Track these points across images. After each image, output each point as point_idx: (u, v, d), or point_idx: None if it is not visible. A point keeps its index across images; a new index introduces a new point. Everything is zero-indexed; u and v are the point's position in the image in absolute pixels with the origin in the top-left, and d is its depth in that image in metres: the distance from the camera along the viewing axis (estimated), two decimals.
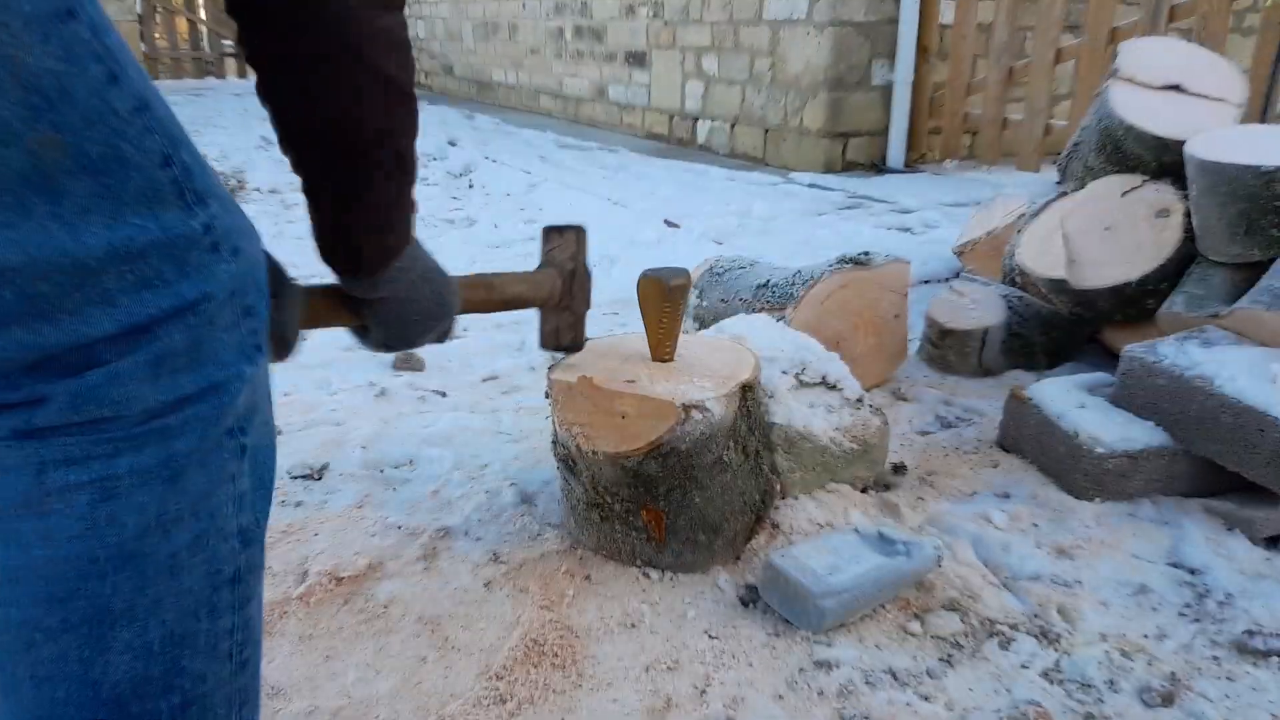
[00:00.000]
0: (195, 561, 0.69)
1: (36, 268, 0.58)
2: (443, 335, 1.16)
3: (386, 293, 1.01)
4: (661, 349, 1.45)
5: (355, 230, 0.92)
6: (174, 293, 0.63)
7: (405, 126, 0.88)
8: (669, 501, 1.39)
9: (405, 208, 0.95)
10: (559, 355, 1.42)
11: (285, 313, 0.95)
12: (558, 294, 1.32)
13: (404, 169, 0.90)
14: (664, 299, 1.41)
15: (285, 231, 3.90)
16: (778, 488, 1.54)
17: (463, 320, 3.07)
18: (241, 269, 0.68)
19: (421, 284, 1.04)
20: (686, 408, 1.31)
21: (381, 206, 0.91)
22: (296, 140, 0.87)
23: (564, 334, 1.35)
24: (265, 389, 0.77)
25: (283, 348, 0.98)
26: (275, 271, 0.93)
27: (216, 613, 0.72)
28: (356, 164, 0.86)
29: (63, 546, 0.63)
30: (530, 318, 2.88)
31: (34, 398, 0.61)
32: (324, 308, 1.04)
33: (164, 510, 0.66)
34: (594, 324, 2.68)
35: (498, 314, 2.76)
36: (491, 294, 1.26)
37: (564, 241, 1.34)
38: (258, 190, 4.78)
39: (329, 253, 0.95)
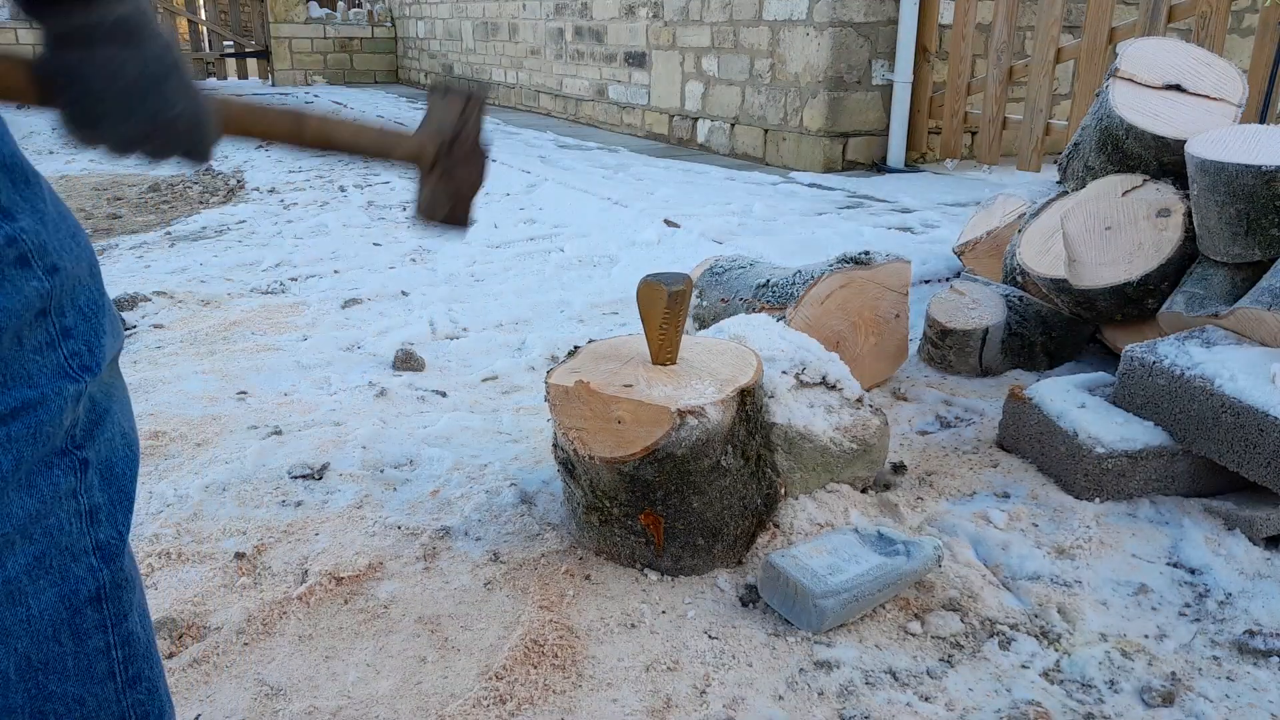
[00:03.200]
0: (41, 585, 0.66)
1: None
2: (190, 140, 0.84)
3: (105, 31, 0.74)
4: (663, 353, 1.45)
5: None
6: None
7: None
8: (667, 506, 1.39)
9: None
10: (437, 227, 1.21)
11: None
12: (429, 156, 1.14)
13: None
14: (664, 305, 1.41)
15: (285, 231, 3.90)
16: (782, 491, 1.54)
17: (462, 320, 3.07)
18: (58, 287, 0.64)
19: (150, 58, 0.78)
20: (682, 413, 1.31)
21: None
22: None
23: (439, 206, 1.17)
24: (114, 399, 0.72)
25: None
26: None
27: (82, 634, 0.69)
28: None
29: None
30: (529, 317, 2.85)
31: None
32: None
33: None
34: (594, 324, 2.70)
35: (497, 314, 2.78)
36: (300, 127, 1.02)
37: (448, 105, 1.16)
38: (257, 190, 4.78)
39: None
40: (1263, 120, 3.76)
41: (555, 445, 1.47)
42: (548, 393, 1.42)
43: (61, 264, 0.65)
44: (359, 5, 12.36)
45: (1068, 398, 1.76)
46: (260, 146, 5.40)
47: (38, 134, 6.36)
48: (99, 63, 0.74)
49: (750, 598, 1.38)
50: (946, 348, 2.26)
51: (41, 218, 0.63)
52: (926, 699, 1.19)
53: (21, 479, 0.64)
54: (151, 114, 0.78)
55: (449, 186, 1.18)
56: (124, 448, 0.73)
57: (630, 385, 1.38)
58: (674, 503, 1.38)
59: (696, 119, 6.25)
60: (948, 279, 2.90)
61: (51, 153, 5.90)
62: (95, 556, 0.70)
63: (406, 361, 2.35)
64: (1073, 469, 1.66)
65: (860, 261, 2.06)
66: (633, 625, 1.32)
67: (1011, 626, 1.33)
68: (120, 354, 0.74)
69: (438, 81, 1.14)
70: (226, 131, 0.96)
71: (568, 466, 1.47)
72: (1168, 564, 1.48)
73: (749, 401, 1.41)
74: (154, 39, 0.78)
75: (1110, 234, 2.18)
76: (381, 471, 1.79)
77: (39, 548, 0.66)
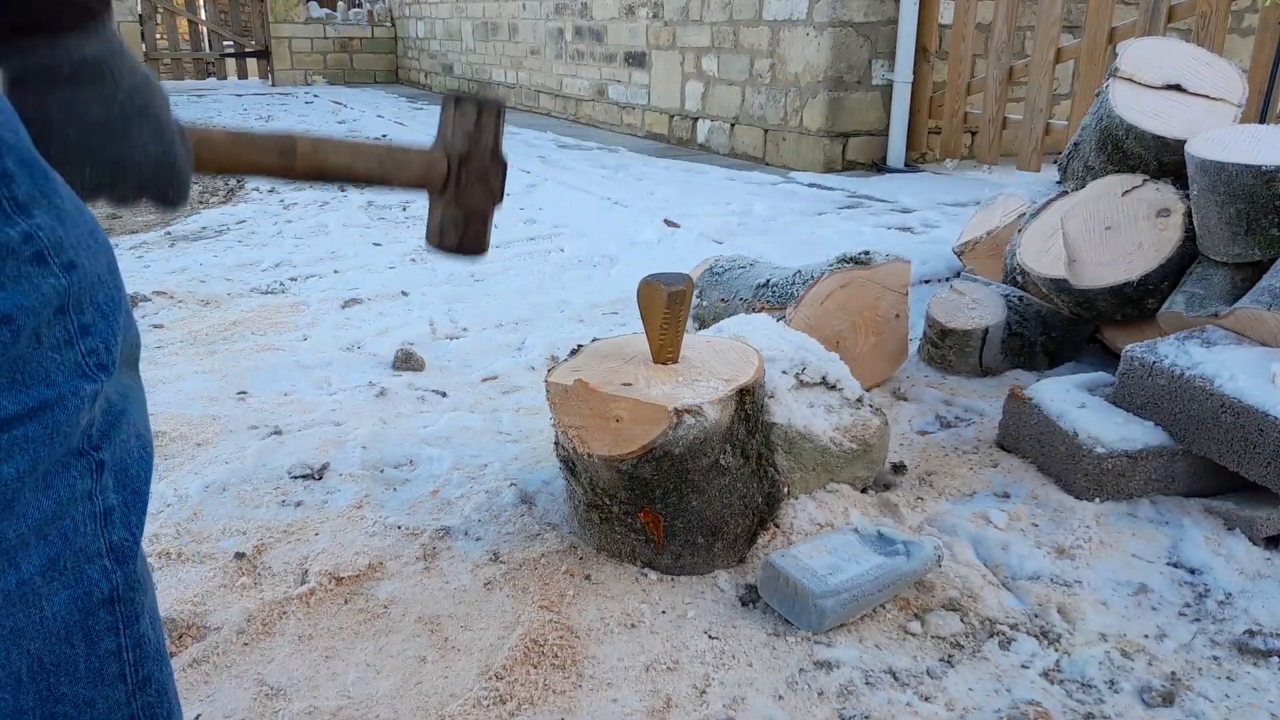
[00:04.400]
0: (54, 586, 0.66)
1: None
2: (162, 182, 0.82)
3: (72, 73, 0.75)
4: (663, 353, 1.45)
5: None
6: None
7: None
8: (666, 505, 1.39)
9: None
10: (449, 255, 1.14)
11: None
12: (439, 179, 1.07)
13: None
14: (664, 305, 1.41)
15: (285, 231, 3.90)
16: (784, 491, 1.54)
17: (462, 320, 3.07)
18: (76, 284, 0.64)
19: (129, 85, 0.77)
20: (679, 412, 1.31)
21: None
22: None
23: (449, 233, 1.10)
24: (130, 399, 0.72)
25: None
26: None
27: (95, 636, 0.69)
28: None
29: None
30: (529, 317, 2.85)
31: None
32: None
33: (2, 537, 0.62)
34: (594, 324, 2.70)
35: (497, 314, 2.78)
36: (288, 161, 0.95)
37: (461, 116, 1.07)
38: (257, 190, 4.78)
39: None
40: (1263, 120, 3.76)
41: (556, 444, 1.48)
42: (547, 391, 1.42)
43: (79, 261, 0.64)
44: (359, 5, 12.36)
45: (1068, 398, 1.76)
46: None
47: None
48: (59, 105, 0.74)
49: (750, 597, 1.38)
50: (946, 348, 2.26)
51: (59, 214, 0.63)
52: (926, 699, 1.19)
53: (38, 480, 0.64)
54: (113, 159, 0.78)
55: (461, 209, 1.10)
56: (139, 449, 0.73)
57: (630, 384, 1.38)
58: (673, 501, 1.38)
59: (696, 119, 6.25)
60: (948, 279, 2.90)
61: None
62: (109, 558, 0.69)
63: (406, 361, 2.35)
64: (1073, 469, 1.66)
65: (860, 261, 2.06)
66: (633, 625, 1.32)
67: (1011, 626, 1.33)
68: (139, 353, 0.74)
69: (450, 91, 1.11)
70: (207, 169, 0.91)
71: (568, 465, 1.47)
72: (1168, 564, 1.48)
73: (748, 400, 1.41)
74: (125, 78, 0.77)
75: (1110, 234, 2.18)
76: (381, 471, 1.79)
77: (54, 549, 0.66)
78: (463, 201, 1.09)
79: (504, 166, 1.11)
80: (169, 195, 0.82)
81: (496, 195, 1.11)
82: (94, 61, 0.74)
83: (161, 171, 0.81)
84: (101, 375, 0.67)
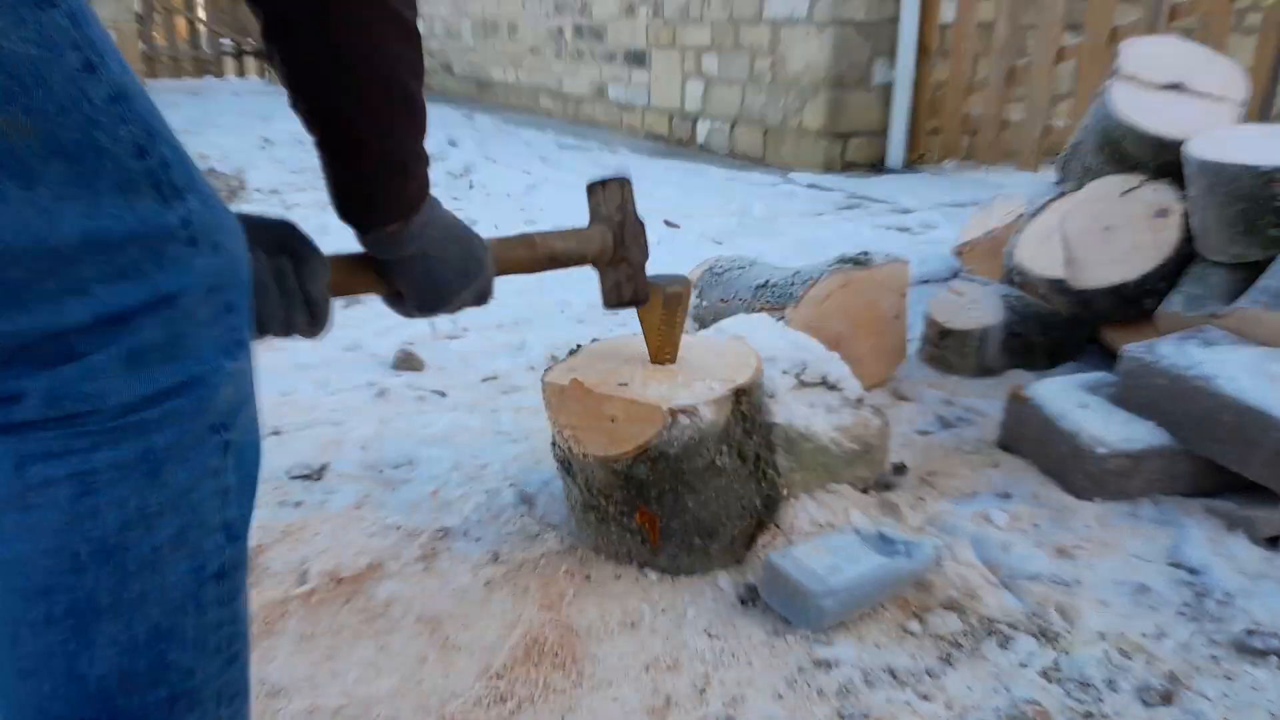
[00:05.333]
0: (179, 556, 0.69)
1: (10, 253, 0.58)
2: (480, 296, 1.14)
3: (413, 250, 1.01)
4: (661, 354, 1.45)
5: (372, 177, 0.92)
6: (150, 285, 0.63)
7: (414, 65, 0.89)
8: (662, 505, 1.39)
9: (420, 154, 0.95)
10: (623, 309, 1.39)
11: (314, 282, 0.95)
12: (610, 249, 1.30)
13: (414, 110, 0.91)
14: (662, 306, 1.41)
15: None
16: (784, 492, 1.54)
17: (462, 320, 3.07)
18: (222, 264, 0.68)
19: (448, 241, 1.05)
20: (673, 412, 1.31)
21: (396, 149, 0.92)
22: (307, 85, 0.88)
23: (624, 288, 1.32)
24: (251, 385, 0.76)
25: (317, 318, 0.97)
26: (302, 241, 0.94)
27: (203, 607, 0.72)
28: (368, 104, 0.87)
29: (44, 540, 0.64)
30: (529, 317, 2.86)
31: (10, 394, 0.62)
32: (352, 274, 1.03)
33: (145, 504, 0.66)
34: (594, 324, 2.70)
35: (497, 314, 2.78)
36: (535, 251, 1.23)
37: (608, 194, 1.31)
38: (258, 190, 4.78)
39: (347, 206, 0.96)
40: (1263, 120, 3.76)
41: (553, 443, 1.48)
42: (544, 391, 1.42)
43: (223, 241, 0.68)
44: None
45: (1069, 398, 1.76)
46: (261, 145, 5.36)
47: None
48: (418, 271, 1.05)
49: (750, 597, 1.38)
50: (946, 348, 2.26)
51: (204, 198, 0.67)
52: (926, 698, 1.19)
53: (181, 452, 0.67)
54: (454, 295, 1.10)
55: (628, 269, 1.31)
56: (255, 433, 0.76)
57: (625, 384, 1.38)
58: (669, 502, 1.38)
59: (696, 119, 6.25)
60: (947, 279, 2.90)
61: None
62: (223, 534, 0.73)
63: (406, 361, 2.35)
64: (1074, 469, 1.66)
65: (859, 262, 2.06)
66: (633, 624, 1.32)
67: (1011, 626, 1.33)
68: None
69: (591, 180, 1.35)
70: (504, 272, 1.20)
71: (565, 464, 1.47)
72: (1168, 564, 1.48)
73: (745, 401, 1.41)
74: (458, 240, 1.08)
75: (1109, 234, 2.18)
76: (381, 471, 1.79)
77: (184, 520, 0.69)
78: (630, 261, 1.32)
79: (643, 225, 1.34)
80: (485, 299, 1.17)
81: (646, 250, 1.35)
82: (436, 239, 1.05)
83: (482, 291, 1.15)
84: (241, 354, 0.71)
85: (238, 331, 0.71)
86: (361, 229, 0.99)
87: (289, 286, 0.92)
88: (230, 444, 0.72)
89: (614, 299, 1.33)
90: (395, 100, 0.89)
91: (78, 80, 0.59)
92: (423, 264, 1.03)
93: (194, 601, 0.71)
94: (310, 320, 0.96)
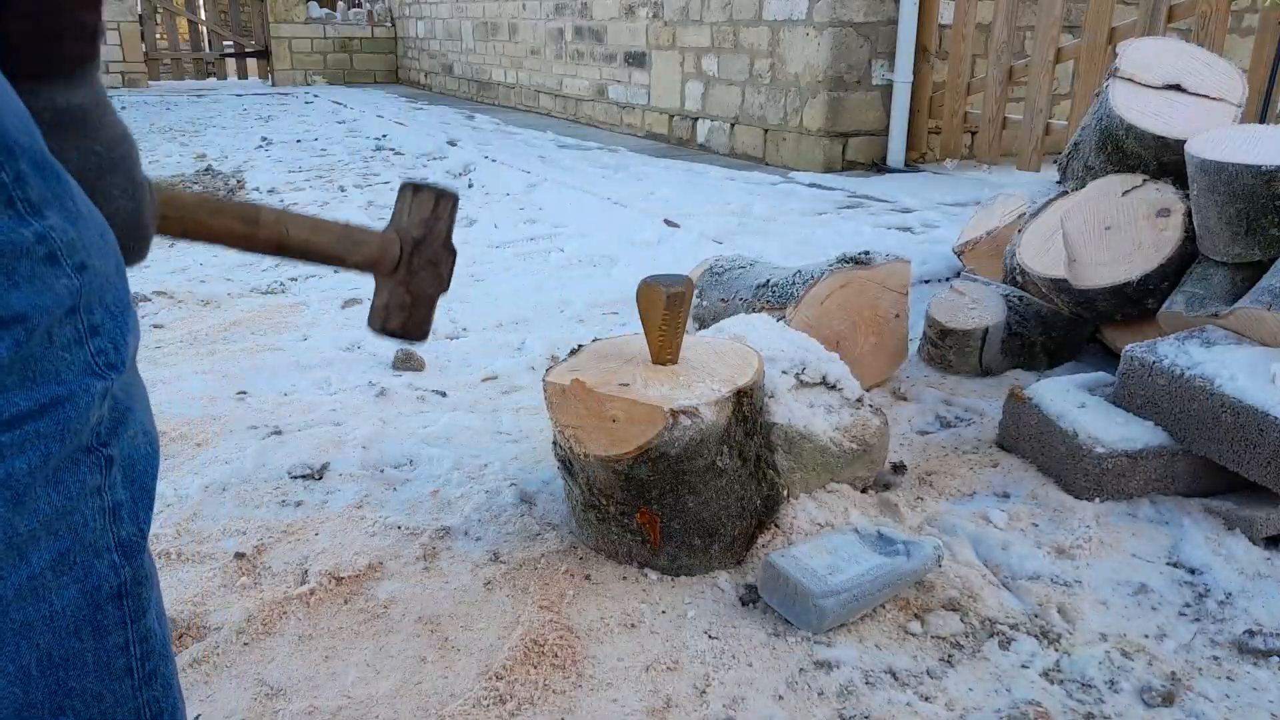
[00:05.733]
0: (64, 581, 0.67)
1: None
2: (131, 243, 0.84)
3: (52, 125, 0.74)
4: (663, 354, 1.45)
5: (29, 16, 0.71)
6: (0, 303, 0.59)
7: None
8: (662, 505, 1.39)
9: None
10: (389, 337, 1.16)
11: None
12: (389, 262, 1.08)
13: None
14: (663, 306, 1.41)
15: None
16: (784, 493, 1.54)
17: (462, 320, 3.06)
18: (87, 285, 0.65)
19: (93, 151, 0.78)
20: (674, 413, 1.31)
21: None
22: None
23: (393, 315, 1.11)
24: (135, 397, 0.73)
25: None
26: None
27: (103, 630, 0.70)
28: None
29: None
30: (529, 317, 2.85)
31: None
32: None
33: (13, 531, 0.63)
34: (594, 324, 2.70)
35: (497, 314, 2.78)
36: (252, 228, 0.96)
37: (418, 202, 1.10)
38: (257, 190, 4.78)
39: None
40: (1263, 120, 3.76)
41: (554, 443, 1.48)
42: (545, 391, 1.42)
43: (90, 262, 0.65)
44: (359, 5, 12.36)
45: (1068, 398, 1.76)
46: (260, 145, 5.31)
47: None
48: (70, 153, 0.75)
49: (750, 598, 1.38)
50: (946, 348, 2.26)
51: (70, 215, 0.64)
52: (926, 699, 1.19)
53: (49, 475, 0.65)
54: (123, 236, 0.79)
55: (410, 293, 1.10)
56: (145, 445, 0.74)
57: (627, 384, 1.38)
58: (669, 502, 1.38)
59: (696, 119, 6.25)
60: (948, 279, 2.90)
61: None
62: (117, 553, 0.71)
63: (406, 361, 2.35)
64: (1073, 469, 1.66)
65: (860, 261, 2.06)
66: (633, 625, 1.32)
67: (1011, 626, 1.33)
68: (137, 352, 0.75)
69: (408, 180, 1.14)
70: (168, 232, 0.91)
71: (566, 464, 1.47)
72: (1168, 564, 1.48)
73: (746, 402, 1.41)
74: (105, 130, 0.77)
75: (1110, 234, 2.18)
76: (381, 471, 1.79)
77: (64, 544, 0.67)
78: (412, 287, 1.10)
79: (454, 255, 1.13)
80: (131, 250, 0.81)
81: (444, 283, 1.13)
82: (77, 110, 0.75)
83: (129, 227, 0.80)
84: (111, 374, 0.68)
85: (107, 354, 0.68)
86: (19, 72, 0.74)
87: None
88: (113, 460, 0.69)
89: (378, 322, 1.12)
90: None
91: None
92: (59, 150, 0.77)
93: (89, 626, 0.69)
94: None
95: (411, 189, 1.11)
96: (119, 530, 0.71)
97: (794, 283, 2.10)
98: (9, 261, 0.59)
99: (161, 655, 0.75)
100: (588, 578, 1.43)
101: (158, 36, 11.00)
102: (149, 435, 0.75)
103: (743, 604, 1.37)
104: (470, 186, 4.92)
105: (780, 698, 1.19)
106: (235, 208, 0.96)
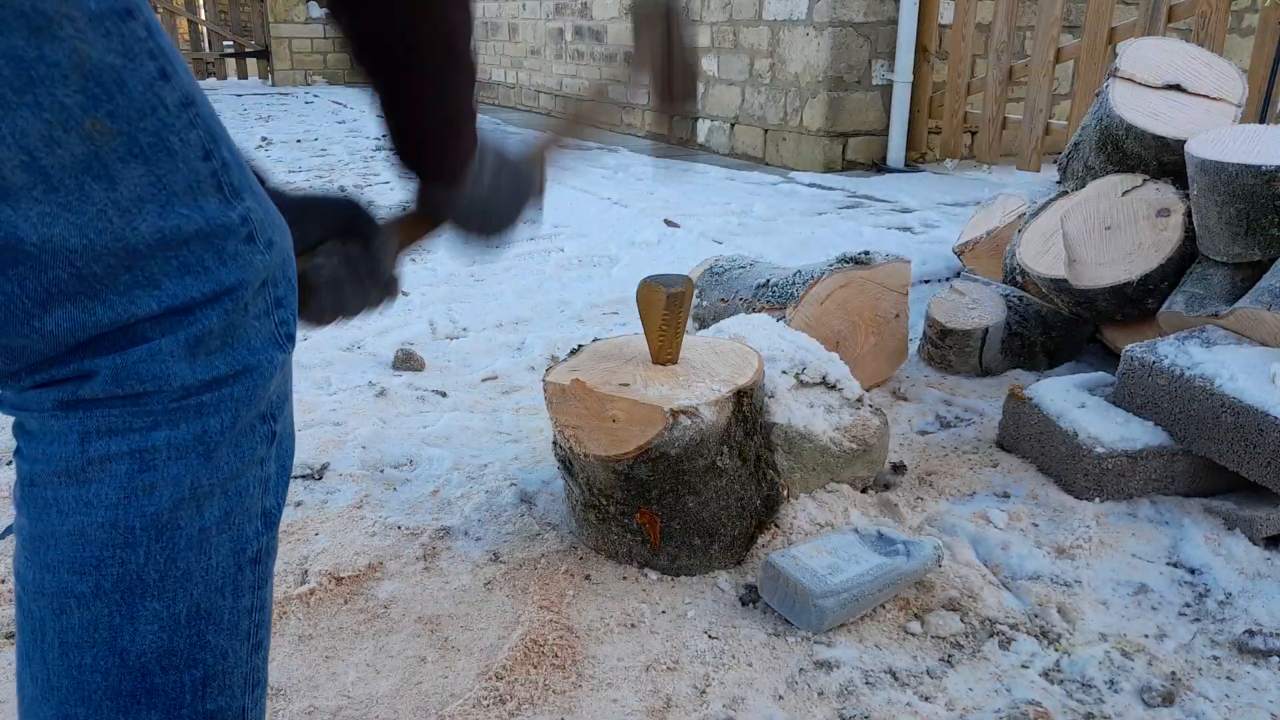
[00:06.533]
0: (223, 539, 0.72)
1: (93, 250, 0.61)
2: (535, 209, 1.17)
3: (469, 190, 1.04)
4: (663, 354, 1.45)
5: (432, 133, 0.97)
6: (213, 278, 0.67)
7: (467, 30, 0.93)
8: (662, 505, 1.39)
9: (473, 110, 1.00)
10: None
11: (385, 258, 0.98)
12: (659, 55, 1.34)
13: (469, 71, 0.95)
14: (663, 307, 1.41)
15: None
16: (784, 493, 1.54)
17: (462, 320, 3.06)
18: (274, 261, 0.72)
19: (500, 170, 1.07)
20: (675, 413, 1.31)
21: (453, 107, 0.96)
22: (370, 52, 0.93)
23: (679, 89, 1.38)
24: (291, 381, 0.80)
25: (391, 290, 1.00)
26: (367, 219, 0.97)
27: (240, 591, 0.74)
28: (429, 70, 0.91)
29: (100, 513, 0.66)
30: (529, 317, 2.84)
31: (81, 373, 0.65)
32: (413, 229, 1.06)
33: (197, 485, 0.69)
34: (594, 324, 2.70)
35: (497, 314, 2.78)
36: (579, 112, 1.27)
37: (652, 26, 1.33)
38: None
39: (408, 160, 0.99)
40: (1263, 120, 3.76)
41: (554, 443, 1.48)
42: (545, 391, 1.42)
43: (276, 239, 0.72)
44: None
45: (1068, 398, 1.76)
46: (260, 145, 5.34)
47: None
48: (475, 209, 1.06)
49: (750, 598, 1.38)
50: (946, 348, 2.26)
51: (259, 199, 0.71)
52: (926, 699, 1.19)
53: (234, 438, 0.71)
54: (510, 220, 1.11)
55: (676, 73, 1.36)
56: (292, 427, 0.80)
57: (627, 384, 1.38)
58: (669, 502, 1.38)
59: (696, 119, 6.26)
60: (948, 279, 2.90)
61: None
62: (261, 521, 0.76)
63: (406, 361, 2.35)
64: (1073, 469, 1.66)
65: (860, 261, 2.06)
66: (633, 625, 1.32)
67: (1011, 626, 1.33)
68: None
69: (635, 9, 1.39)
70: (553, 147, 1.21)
71: (566, 464, 1.47)
72: (1168, 564, 1.48)
73: (746, 402, 1.41)
74: (508, 167, 1.08)
75: (1110, 234, 2.18)
76: (381, 471, 1.79)
77: (230, 503, 0.72)
78: (679, 65, 1.35)
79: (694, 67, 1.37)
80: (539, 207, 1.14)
81: (692, 87, 1.40)
82: (486, 147, 1.05)
83: (539, 194, 1.14)
84: (289, 345, 0.75)
85: (286, 325, 0.74)
86: (421, 179, 1.03)
87: (362, 271, 0.96)
88: (275, 435, 0.76)
89: (666, 98, 1.37)
90: (452, 65, 0.93)
91: (154, 87, 0.62)
92: (479, 201, 1.05)
93: (232, 584, 0.73)
94: (387, 294, 1.00)
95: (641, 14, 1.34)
96: (266, 500, 0.76)
97: (794, 283, 2.10)
98: (220, 241, 0.67)
99: (268, 627, 0.81)
100: (588, 578, 1.43)
101: None
102: (293, 420, 0.81)
103: (743, 604, 1.37)
104: None
105: (780, 698, 1.19)
106: (564, 117, 1.25)
